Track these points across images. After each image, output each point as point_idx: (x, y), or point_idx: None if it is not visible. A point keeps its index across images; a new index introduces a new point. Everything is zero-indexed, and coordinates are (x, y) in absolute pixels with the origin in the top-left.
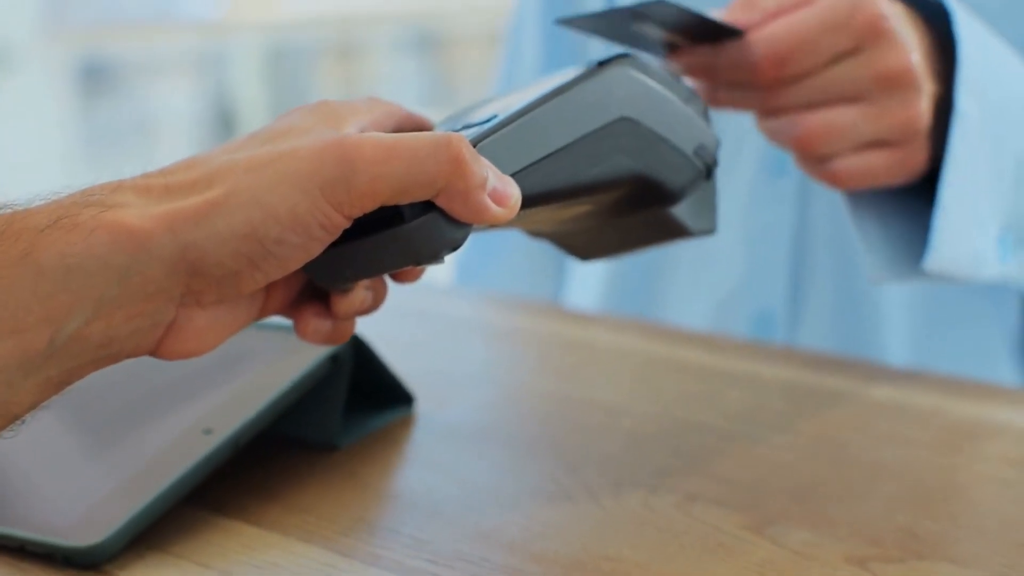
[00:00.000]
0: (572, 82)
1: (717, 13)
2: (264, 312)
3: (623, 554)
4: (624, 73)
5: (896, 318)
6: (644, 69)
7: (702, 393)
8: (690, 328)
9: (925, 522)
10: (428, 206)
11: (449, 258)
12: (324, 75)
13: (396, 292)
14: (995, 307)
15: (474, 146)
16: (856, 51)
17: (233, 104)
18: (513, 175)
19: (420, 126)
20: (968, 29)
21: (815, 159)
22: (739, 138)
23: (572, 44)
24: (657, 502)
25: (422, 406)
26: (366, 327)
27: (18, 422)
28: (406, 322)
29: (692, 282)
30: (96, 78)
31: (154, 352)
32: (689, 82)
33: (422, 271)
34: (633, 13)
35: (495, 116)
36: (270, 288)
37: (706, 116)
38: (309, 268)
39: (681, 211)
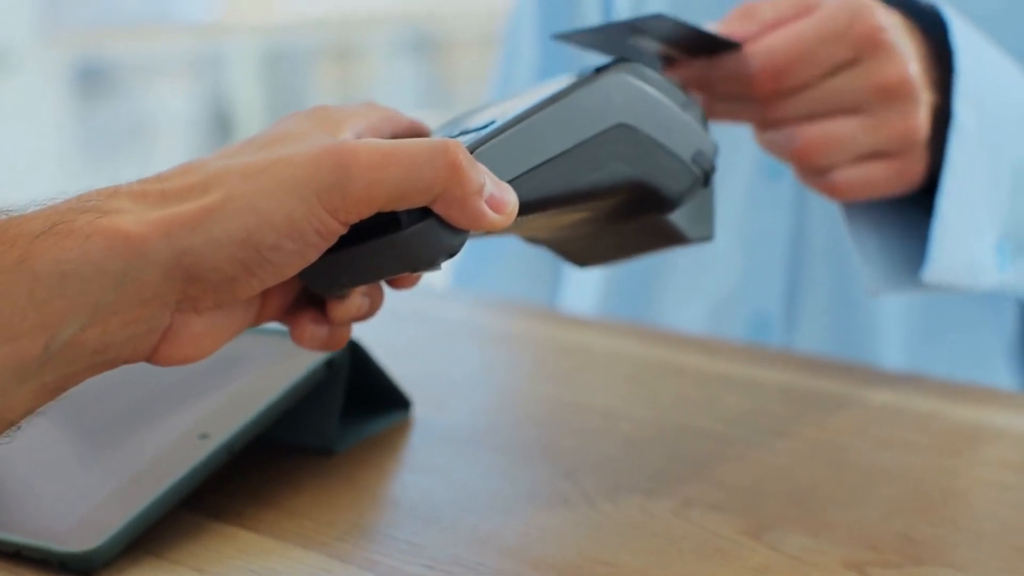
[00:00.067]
0: (569, 88)
1: (714, 26)
2: (260, 318)
3: (620, 559)
4: (622, 79)
5: (892, 322)
6: (642, 75)
7: (699, 397)
8: (686, 332)
9: (923, 527)
10: (425, 212)
11: (446, 263)
12: (321, 77)
13: (392, 295)
14: (991, 313)
15: (471, 152)
16: (854, 62)
17: (230, 106)
18: (510, 181)
19: (417, 132)
20: (965, 38)
21: (814, 171)
22: (735, 141)
23: (569, 48)
24: (654, 507)
25: (419, 410)
26: (362, 330)
27: (13, 428)
28: (402, 325)
29: (688, 285)
30: (93, 80)
31: (150, 358)
32: None
33: (419, 277)
34: (630, 27)
35: (492, 122)
36: (266, 294)
37: (704, 122)
38: (305, 274)
39: (678, 218)
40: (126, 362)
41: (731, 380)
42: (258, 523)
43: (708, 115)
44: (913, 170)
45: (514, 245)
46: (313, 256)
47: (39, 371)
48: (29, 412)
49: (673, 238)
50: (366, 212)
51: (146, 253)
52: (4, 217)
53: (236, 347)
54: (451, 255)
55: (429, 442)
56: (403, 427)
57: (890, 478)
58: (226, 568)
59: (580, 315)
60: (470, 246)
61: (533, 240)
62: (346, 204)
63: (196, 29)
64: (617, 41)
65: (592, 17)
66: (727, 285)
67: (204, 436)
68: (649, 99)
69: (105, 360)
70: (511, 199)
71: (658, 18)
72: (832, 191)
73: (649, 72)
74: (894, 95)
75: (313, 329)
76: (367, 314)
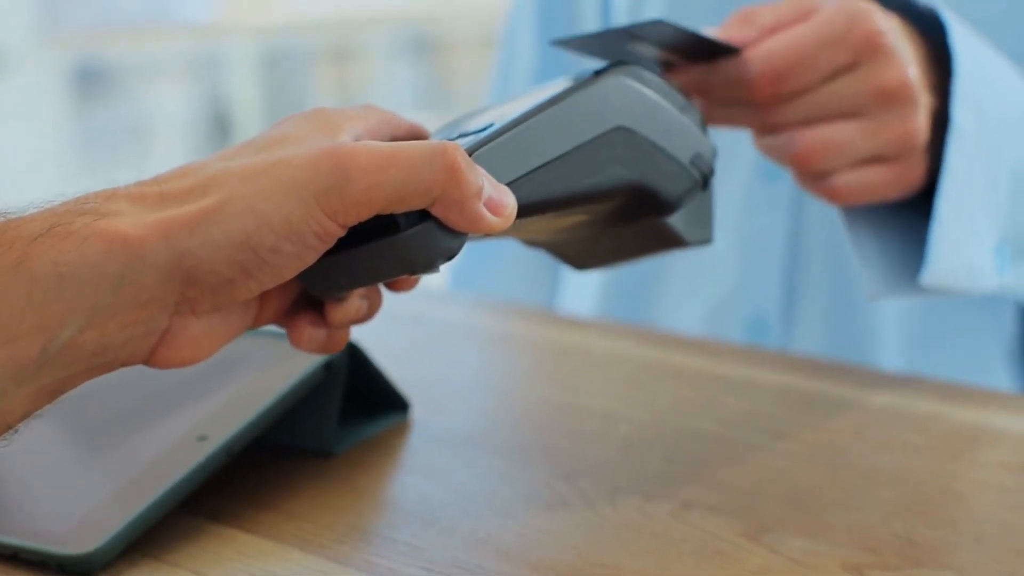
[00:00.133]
0: (568, 91)
1: (712, 31)
2: (258, 321)
3: (619, 562)
4: (620, 82)
5: (890, 324)
6: (640, 78)
7: (698, 399)
8: (684, 333)
9: (923, 529)
10: (423, 215)
11: (444, 266)
12: (319, 78)
13: (390, 297)
14: (989, 315)
15: (470, 155)
16: (853, 66)
17: (228, 107)
18: (509, 184)
19: (416, 134)
20: (964, 42)
21: (813, 176)
22: (733, 144)
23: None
24: (653, 509)
25: (417, 412)
26: (360, 332)
27: (11, 431)
28: (401, 327)
29: (686, 287)
30: (91, 81)
31: (148, 361)
32: None
33: (417, 280)
34: (628, 33)
35: (491, 125)
36: (264, 297)
37: (702, 125)
38: (304, 277)
39: (677, 221)
40: (124, 365)
41: (730, 382)
42: (257, 525)
43: (707, 120)
44: (912, 174)
45: (512, 247)
46: (311, 258)
47: (37, 374)
48: (27, 415)
49: (672, 241)
50: (365, 214)
51: (144, 255)
52: (2, 219)
53: (235, 349)
54: (449, 258)
55: (428, 444)
56: (401, 429)
57: (889, 480)
58: (225, 571)
59: (578, 317)
60: (468, 249)
61: (531, 243)
62: (345, 206)
63: (195, 30)
64: (615, 47)
65: (590, 18)
66: (725, 287)
67: (203, 438)
68: (648, 102)
69: (103, 363)
70: (510, 202)
71: (657, 24)
72: (831, 196)
73: (647, 75)
74: (893, 99)
75: (311, 332)
76: (365, 317)
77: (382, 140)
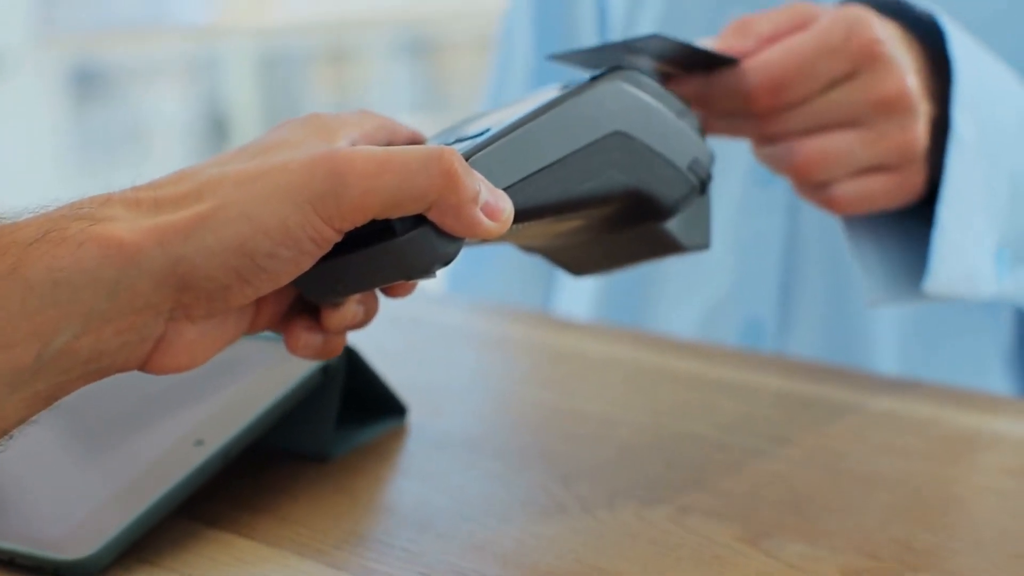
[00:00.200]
0: (565, 96)
1: (710, 41)
2: (254, 326)
3: (617, 567)
4: (617, 87)
5: (887, 328)
6: (638, 83)
7: (696, 403)
8: (680, 336)
9: (922, 534)
10: (420, 220)
11: (440, 271)
12: (316, 80)
13: (387, 299)
14: (987, 319)
15: (466, 160)
16: (852, 76)
17: (226, 109)
18: (506, 189)
19: (412, 139)
20: (963, 48)
21: (813, 185)
22: (729, 146)
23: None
24: (651, 514)
25: (413, 416)
26: (357, 335)
27: (6, 437)
28: (398, 330)
29: (682, 290)
30: (88, 83)
31: (143, 367)
32: None
33: (414, 285)
34: (626, 47)
35: (488, 130)
36: (260, 302)
37: (700, 131)
38: (299, 282)
39: (674, 226)
40: (119, 371)
41: (727, 386)
42: (253, 530)
43: (706, 131)
44: (912, 182)
45: (508, 251)
46: (307, 264)
47: (32, 379)
48: (22, 421)
49: (669, 247)
50: (361, 220)
51: (139, 261)
52: None
53: (231, 353)
54: (446, 263)
55: (425, 448)
56: (398, 433)
57: (888, 485)
58: None
59: (575, 320)
60: (464, 252)
61: (528, 248)
62: (341, 211)
63: (192, 32)
64: (613, 60)
65: (586, 19)
66: (720, 290)
67: (199, 443)
68: (645, 107)
69: (98, 368)
70: (506, 207)
71: (654, 37)
72: (831, 205)
73: (645, 80)
74: (893, 108)
75: (307, 337)
76: (362, 322)
77: (378, 145)
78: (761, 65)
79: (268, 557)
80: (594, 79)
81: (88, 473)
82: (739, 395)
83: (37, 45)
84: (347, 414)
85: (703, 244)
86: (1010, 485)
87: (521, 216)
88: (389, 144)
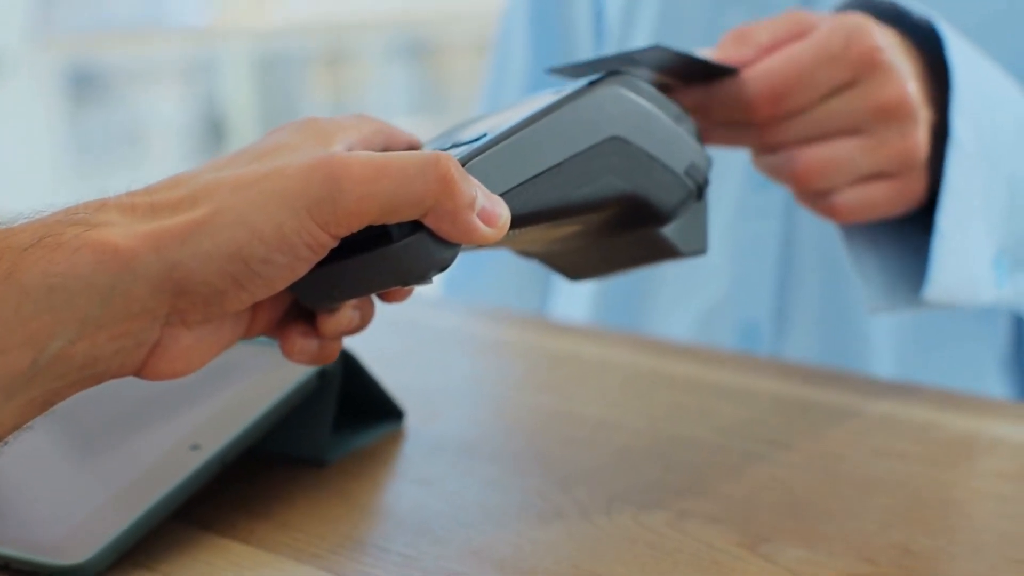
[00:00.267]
0: (562, 101)
1: (709, 51)
2: (250, 332)
3: (615, 572)
4: (614, 92)
5: (883, 332)
6: (635, 88)
7: (693, 407)
8: (677, 340)
9: (920, 538)
10: (416, 226)
11: (437, 277)
12: (314, 82)
13: (383, 303)
14: (983, 323)
15: (463, 165)
16: (852, 84)
17: (223, 111)
18: (502, 195)
19: (409, 144)
20: (961, 54)
21: (814, 194)
22: (725, 150)
23: (560, 52)
24: (648, 519)
25: (410, 420)
26: (353, 339)
27: (1, 443)
28: (394, 334)
29: (677, 294)
30: (85, 85)
31: (139, 372)
32: None
33: (410, 291)
34: (625, 59)
35: (485, 135)
36: (256, 308)
37: (698, 136)
38: (296, 288)
39: (671, 232)
40: (114, 376)
41: (725, 389)
42: (250, 535)
43: (706, 141)
44: (913, 189)
45: (505, 256)
46: (303, 269)
47: (27, 385)
48: (17, 427)
49: (666, 252)
50: (357, 225)
51: (135, 267)
52: None
53: (228, 357)
54: (442, 269)
55: (421, 453)
56: (395, 437)
57: (887, 489)
58: None
59: (572, 323)
60: (460, 257)
61: (525, 253)
62: (337, 217)
63: (189, 34)
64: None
65: (583, 21)
66: (717, 294)
67: (196, 447)
68: (642, 112)
69: (93, 374)
70: (503, 212)
71: (654, 49)
72: (833, 214)
73: (642, 85)
74: (893, 115)
75: (303, 343)
76: (358, 328)
77: (375, 150)
78: (761, 74)
79: (265, 562)
80: (591, 84)
81: (84, 478)
82: (737, 399)
83: (34, 46)
84: (344, 418)
85: (700, 249)
86: (1008, 490)
87: (518, 222)
88: (386, 149)
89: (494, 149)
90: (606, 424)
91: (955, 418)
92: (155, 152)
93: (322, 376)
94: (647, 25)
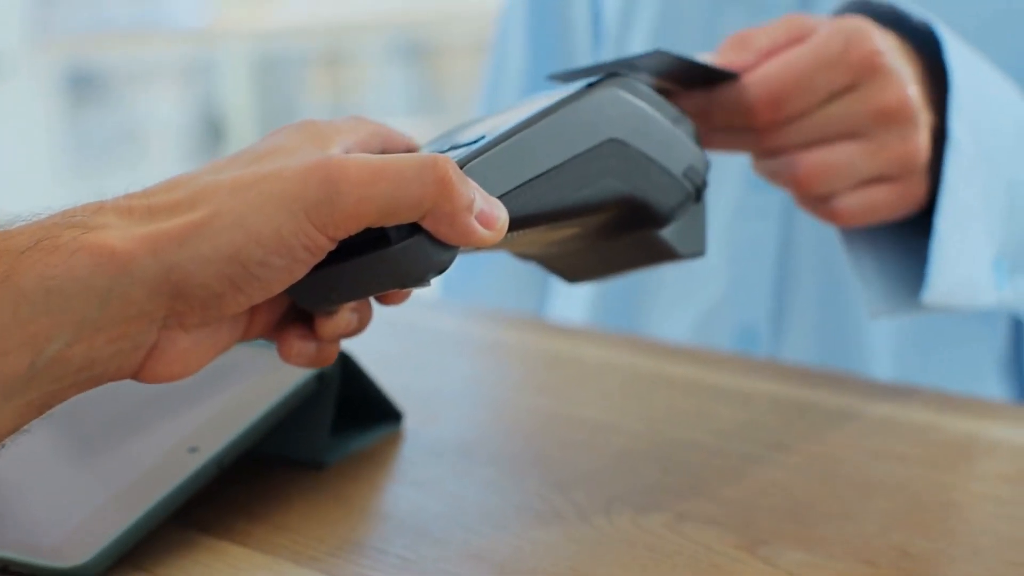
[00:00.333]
0: (560, 103)
1: (709, 56)
2: (247, 334)
3: (614, 574)
4: (613, 94)
5: (881, 334)
6: (633, 90)
7: (692, 409)
8: (676, 342)
9: (920, 541)
10: (414, 228)
11: (435, 279)
12: (313, 84)
13: (381, 306)
14: (981, 326)
15: (461, 167)
16: (852, 87)
17: (221, 112)
18: (500, 197)
19: (406, 147)
20: (959, 57)
21: (815, 198)
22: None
23: (558, 53)
24: (648, 521)
25: (409, 422)
26: (352, 341)
27: None
28: (392, 336)
29: (676, 295)
30: (84, 86)
31: (136, 375)
32: None
33: (408, 293)
34: (626, 64)
35: (483, 137)
36: (254, 310)
37: (696, 138)
38: (293, 290)
39: (670, 234)
40: (112, 379)
41: (724, 391)
42: (248, 538)
43: (706, 146)
44: (914, 193)
45: (502, 258)
46: (301, 272)
47: (24, 388)
48: (14, 430)
49: (664, 254)
50: (355, 228)
51: (132, 270)
52: None
53: (226, 360)
54: (441, 271)
55: (420, 454)
56: (394, 439)
57: (886, 491)
58: None
59: (571, 325)
60: (458, 259)
61: (523, 256)
62: (335, 219)
63: (187, 35)
64: None
65: (580, 21)
66: (714, 296)
67: (194, 450)
68: (641, 114)
69: (91, 377)
70: (501, 215)
71: (654, 54)
72: (834, 218)
73: (641, 87)
74: (893, 119)
75: (301, 345)
76: (355, 330)
77: (373, 153)
78: (761, 79)
79: (263, 565)
80: (590, 86)
81: (82, 480)
82: (736, 401)
83: (33, 48)
84: (342, 420)
85: (699, 251)
86: (1007, 492)
87: (516, 224)
88: (383, 151)
89: (492, 151)
90: (605, 426)
91: (954, 420)
92: (154, 153)
93: (320, 378)
94: (645, 26)
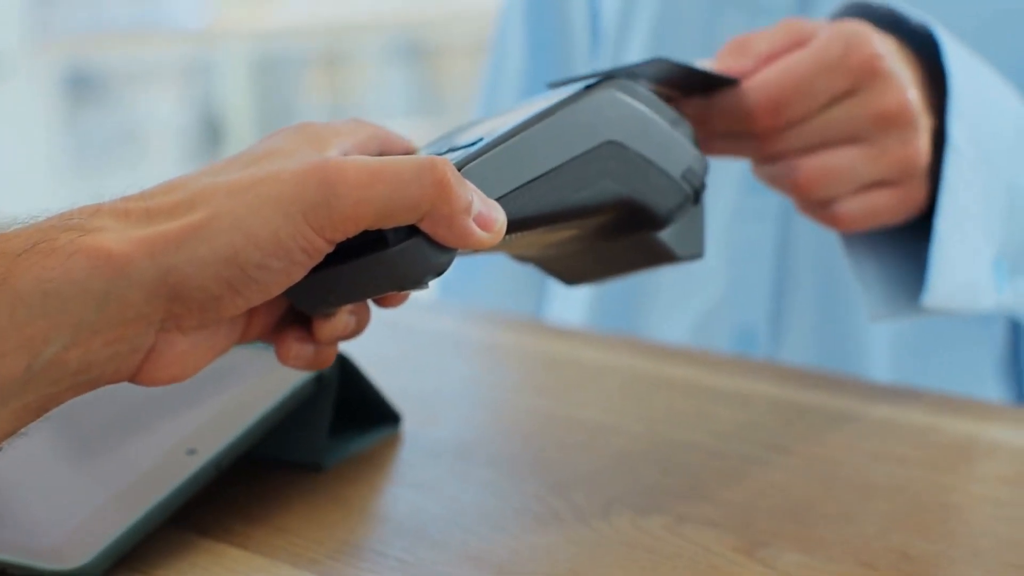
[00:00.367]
0: (558, 105)
1: (708, 62)
2: (245, 337)
3: None
4: (611, 96)
5: (879, 336)
6: (631, 92)
7: (691, 410)
8: (675, 343)
9: (919, 543)
10: (412, 230)
11: (433, 282)
12: (312, 84)
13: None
14: (979, 328)
15: (459, 169)
16: (852, 92)
17: (221, 113)
18: (499, 199)
19: (404, 149)
20: (958, 60)
21: (816, 203)
22: None
23: (556, 53)
24: (647, 523)
25: (408, 424)
26: (350, 343)
27: None
28: (391, 338)
29: (673, 298)
30: (83, 87)
31: (134, 378)
32: None
33: (406, 296)
34: (627, 72)
35: (481, 139)
36: (251, 313)
37: (694, 139)
38: (291, 293)
39: (668, 236)
40: (109, 382)
41: (723, 393)
42: (247, 540)
43: (707, 152)
44: (915, 197)
45: (500, 260)
46: (299, 274)
47: (21, 391)
48: (11, 433)
49: (663, 256)
50: (352, 230)
51: (129, 272)
52: None
53: (224, 362)
54: (438, 274)
55: (419, 456)
56: (392, 441)
57: (885, 493)
58: None
59: (569, 327)
60: (456, 261)
61: (521, 258)
62: (332, 222)
63: (187, 36)
64: None
65: (579, 21)
66: (713, 298)
67: (192, 452)
68: (639, 116)
69: (88, 380)
70: (499, 217)
71: (654, 61)
72: (835, 223)
73: (639, 89)
74: (893, 123)
75: (298, 348)
76: (353, 333)
77: (371, 155)
78: (760, 85)
79: (261, 567)
80: (588, 88)
81: (80, 483)
82: (735, 403)
83: (32, 48)
84: (340, 423)
85: (697, 253)
86: (1007, 493)
87: (514, 226)
88: (381, 154)
89: (490, 153)
90: (603, 428)
91: (954, 422)
92: (153, 153)
93: (319, 380)
94: (644, 26)
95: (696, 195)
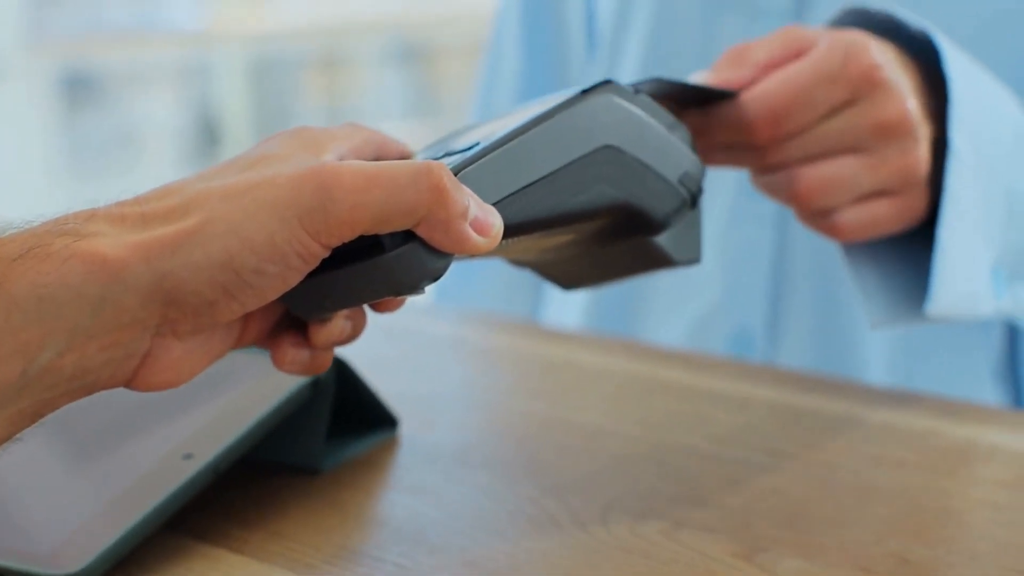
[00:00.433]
0: (555, 109)
1: (706, 74)
2: (241, 342)
3: None
4: (608, 100)
5: (876, 340)
6: (628, 96)
7: (688, 414)
8: (671, 347)
9: (918, 548)
10: (408, 235)
11: (429, 287)
12: (308, 86)
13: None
14: (977, 332)
15: (456, 174)
16: (852, 102)
17: (217, 115)
18: (495, 204)
19: (400, 154)
20: (958, 67)
21: (816, 213)
22: None
23: (553, 55)
24: (645, 528)
25: (405, 428)
26: (347, 347)
27: None
28: (387, 341)
29: (670, 301)
30: (80, 89)
31: (129, 383)
32: None
33: (402, 301)
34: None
35: (477, 143)
36: (247, 318)
37: (691, 144)
38: (287, 298)
39: (665, 240)
40: (105, 387)
41: (721, 397)
42: (244, 545)
43: (706, 163)
44: (915, 206)
45: (496, 264)
46: (295, 280)
47: (16, 396)
48: (6, 438)
49: (660, 261)
50: (348, 235)
51: (125, 277)
52: None
53: (221, 366)
54: (435, 279)
55: (416, 461)
56: (389, 445)
57: (884, 498)
58: None
59: (566, 330)
60: (452, 266)
61: (518, 263)
62: (328, 227)
63: (183, 38)
64: None
65: (575, 23)
66: (709, 301)
67: (188, 456)
68: (635, 120)
69: (83, 385)
70: (496, 222)
71: (653, 81)
72: (835, 233)
73: (635, 93)
74: (893, 133)
75: (294, 353)
76: (349, 338)
77: (367, 159)
78: (759, 96)
79: (258, 572)
80: (584, 92)
81: (76, 487)
82: (733, 406)
83: (28, 50)
84: (338, 426)
85: (694, 258)
86: (1004, 498)
87: (511, 231)
88: (377, 158)
89: (487, 158)
90: (600, 431)
91: (953, 426)
92: (150, 156)
93: (316, 384)
94: (640, 28)
95: (693, 199)
